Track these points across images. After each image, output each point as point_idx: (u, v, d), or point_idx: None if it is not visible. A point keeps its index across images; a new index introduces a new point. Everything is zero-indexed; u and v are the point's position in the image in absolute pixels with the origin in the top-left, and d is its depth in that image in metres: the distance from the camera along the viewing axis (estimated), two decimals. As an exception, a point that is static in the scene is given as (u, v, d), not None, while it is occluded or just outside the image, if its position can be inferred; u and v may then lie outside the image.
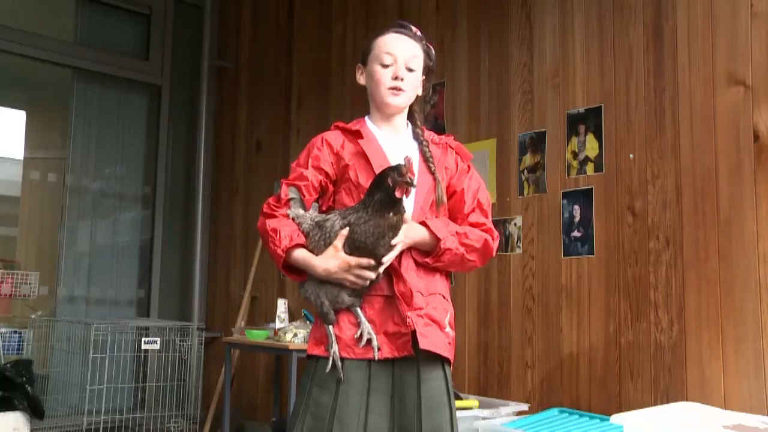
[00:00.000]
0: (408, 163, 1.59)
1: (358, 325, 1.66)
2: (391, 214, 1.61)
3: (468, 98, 3.51)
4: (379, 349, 1.65)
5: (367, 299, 1.68)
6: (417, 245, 1.68)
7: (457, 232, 1.71)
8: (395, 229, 1.62)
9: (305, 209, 1.74)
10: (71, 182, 4.96)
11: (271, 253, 1.69)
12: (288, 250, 1.66)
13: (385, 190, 1.60)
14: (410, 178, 1.59)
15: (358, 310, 1.67)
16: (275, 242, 1.67)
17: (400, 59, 1.76)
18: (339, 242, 1.63)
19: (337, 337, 1.66)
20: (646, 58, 2.83)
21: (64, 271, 4.87)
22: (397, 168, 1.60)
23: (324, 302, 1.66)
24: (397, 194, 1.60)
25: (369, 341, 1.64)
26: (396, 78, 1.75)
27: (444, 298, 1.75)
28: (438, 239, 1.67)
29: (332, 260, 1.63)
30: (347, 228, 1.63)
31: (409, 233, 1.66)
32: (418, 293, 1.67)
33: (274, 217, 1.72)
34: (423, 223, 1.68)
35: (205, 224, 5.16)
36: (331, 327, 1.67)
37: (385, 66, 1.76)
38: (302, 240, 1.68)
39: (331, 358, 1.64)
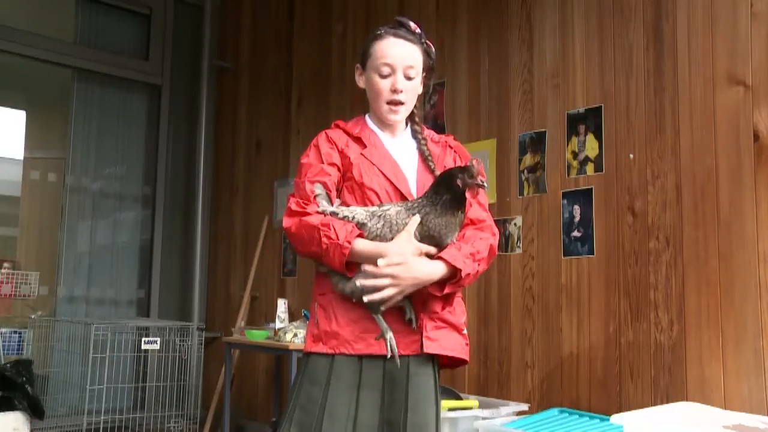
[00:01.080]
0: (478, 165, 1.61)
1: (358, 320, 1.67)
2: (459, 212, 1.65)
3: (468, 98, 3.51)
4: (410, 322, 1.66)
5: None
6: (434, 280, 1.65)
7: (471, 253, 1.68)
8: (461, 225, 1.68)
9: (331, 204, 1.72)
10: (71, 182, 4.96)
11: (326, 247, 1.60)
12: (351, 242, 1.60)
13: (454, 190, 1.63)
14: (482, 180, 1.62)
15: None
16: (330, 235, 1.60)
17: (398, 69, 1.74)
18: (412, 228, 1.62)
19: (336, 333, 1.67)
20: (646, 58, 2.83)
21: (64, 271, 4.87)
22: (467, 169, 1.62)
23: None
24: (468, 195, 1.64)
25: (411, 313, 1.67)
26: (395, 90, 1.74)
27: (462, 300, 1.77)
28: (457, 269, 1.64)
29: (408, 245, 1.61)
30: (418, 215, 1.64)
31: (426, 270, 1.62)
32: (436, 297, 1.68)
33: (308, 214, 1.66)
34: (439, 257, 1.64)
35: (205, 224, 5.17)
36: (380, 315, 1.65)
37: (384, 77, 1.75)
38: (358, 231, 1.64)
39: (389, 345, 1.64)
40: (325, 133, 1.80)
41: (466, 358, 1.73)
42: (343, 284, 1.66)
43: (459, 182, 1.62)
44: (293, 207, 1.68)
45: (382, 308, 1.64)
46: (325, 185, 1.71)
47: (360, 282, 1.62)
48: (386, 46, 1.75)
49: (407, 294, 1.64)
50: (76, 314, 4.73)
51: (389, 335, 1.64)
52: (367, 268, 1.61)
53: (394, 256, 1.59)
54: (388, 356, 1.63)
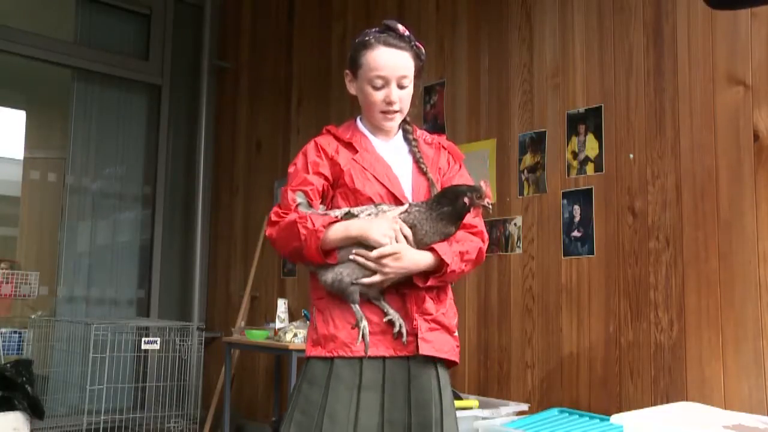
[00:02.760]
0: (486, 187, 1.64)
1: (355, 324, 1.67)
2: (452, 228, 1.66)
3: (468, 98, 3.51)
4: (400, 336, 1.66)
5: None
6: (420, 269, 1.67)
7: (460, 252, 1.70)
8: (447, 236, 1.68)
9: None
10: (71, 182, 4.96)
11: (304, 238, 1.62)
12: (326, 227, 1.62)
13: (457, 206, 1.64)
14: (488, 202, 1.65)
15: (383, 302, 1.69)
16: (307, 225, 1.62)
17: (392, 81, 1.73)
18: (395, 213, 1.65)
19: (333, 336, 1.67)
20: (646, 58, 2.83)
21: (64, 271, 4.87)
22: (476, 189, 1.64)
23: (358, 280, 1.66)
24: (472, 214, 1.67)
25: (400, 327, 1.66)
26: (390, 103, 1.74)
27: (453, 302, 1.78)
28: (445, 264, 1.66)
29: (385, 221, 1.63)
30: (407, 206, 1.67)
31: (415, 260, 1.65)
32: (430, 299, 1.69)
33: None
34: (430, 249, 1.66)
35: (205, 224, 5.17)
36: (357, 305, 1.67)
37: (377, 89, 1.73)
38: (337, 220, 1.66)
39: (361, 333, 1.65)
40: (315, 140, 1.80)
41: (457, 360, 1.74)
42: (325, 275, 1.68)
43: (466, 200, 1.64)
44: (273, 217, 1.71)
45: (357, 298, 1.67)
46: (306, 194, 1.72)
47: (346, 267, 1.64)
48: (378, 57, 1.73)
49: (394, 288, 1.67)
50: (76, 314, 4.73)
51: (363, 323, 1.66)
52: (359, 257, 1.63)
53: (386, 247, 1.61)
54: (357, 344, 1.64)
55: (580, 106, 3.03)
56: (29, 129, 6.85)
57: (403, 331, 1.66)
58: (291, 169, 1.77)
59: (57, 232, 5.11)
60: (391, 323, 1.66)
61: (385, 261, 1.62)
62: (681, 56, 2.71)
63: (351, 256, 1.65)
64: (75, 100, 4.99)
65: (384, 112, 1.75)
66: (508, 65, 3.34)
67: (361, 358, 1.66)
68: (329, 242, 1.64)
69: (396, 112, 1.76)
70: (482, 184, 1.64)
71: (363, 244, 1.64)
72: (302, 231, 1.63)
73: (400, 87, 1.74)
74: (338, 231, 1.64)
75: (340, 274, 1.66)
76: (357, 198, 1.72)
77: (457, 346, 1.74)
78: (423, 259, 1.66)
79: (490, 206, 1.67)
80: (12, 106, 6.92)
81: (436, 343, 1.67)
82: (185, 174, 5.27)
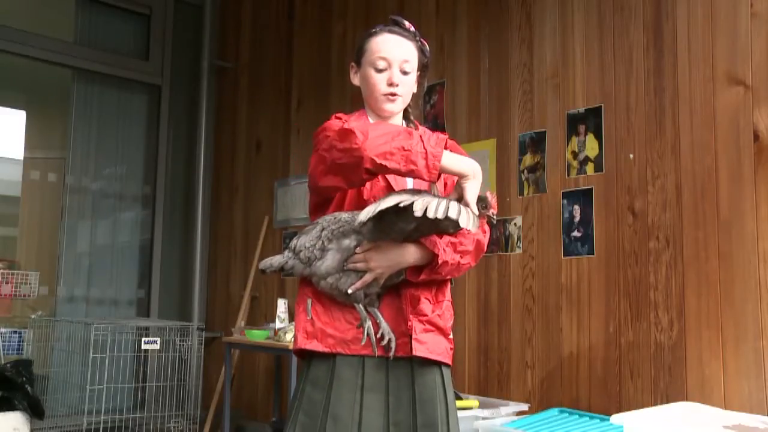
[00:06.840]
0: (492, 199, 1.62)
1: (355, 322, 1.66)
2: (450, 229, 1.64)
3: (468, 98, 3.51)
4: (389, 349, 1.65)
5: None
6: (410, 264, 1.65)
7: (452, 243, 1.67)
8: (444, 233, 1.65)
9: None
10: (71, 182, 4.96)
11: (420, 137, 1.50)
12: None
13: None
14: (492, 213, 1.63)
15: (377, 311, 1.67)
16: (423, 135, 1.52)
17: (394, 64, 1.73)
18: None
19: (333, 333, 1.66)
20: (646, 58, 2.83)
21: (64, 271, 4.87)
22: (483, 199, 1.61)
23: (349, 281, 1.65)
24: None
25: (389, 341, 1.64)
26: (391, 84, 1.73)
27: (451, 304, 1.76)
28: (435, 254, 1.63)
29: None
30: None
31: (399, 251, 1.63)
32: (426, 300, 1.67)
33: None
34: (417, 242, 1.64)
35: (205, 224, 5.16)
36: (361, 305, 1.66)
37: (380, 71, 1.73)
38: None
39: (365, 333, 1.63)
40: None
41: (450, 362, 1.72)
42: (319, 284, 1.66)
43: None
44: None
45: (365, 299, 1.65)
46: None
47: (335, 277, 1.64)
48: (382, 42, 1.75)
49: (387, 285, 1.65)
50: (76, 314, 4.72)
51: (368, 324, 1.64)
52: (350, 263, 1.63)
53: (477, 169, 1.56)
54: (362, 343, 1.63)
55: (580, 106, 3.03)
56: (29, 129, 6.84)
57: (392, 345, 1.64)
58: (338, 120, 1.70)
59: (57, 232, 5.11)
60: (381, 337, 1.65)
61: (368, 255, 1.61)
62: (681, 56, 2.71)
63: (347, 267, 1.63)
64: (75, 100, 4.99)
65: (386, 94, 1.74)
66: (508, 65, 3.34)
67: (362, 358, 1.65)
68: (446, 161, 1.52)
69: (398, 95, 1.74)
70: (488, 195, 1.63)
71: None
72: (419, 132, 1.54)
73: (403, 72, 1.74)
74: (456, 156, 1.55)
75: (333, 286, 1.65)
76: (358, 189, 1.70)
77: (451, 349, 1.72)
78: (408, 251, 1.63)
79: (495, 217, 1.65)
80: (12, 106, 6.92)
81: (431, 345, 1.66)
82: (185, 174, 5.27)
